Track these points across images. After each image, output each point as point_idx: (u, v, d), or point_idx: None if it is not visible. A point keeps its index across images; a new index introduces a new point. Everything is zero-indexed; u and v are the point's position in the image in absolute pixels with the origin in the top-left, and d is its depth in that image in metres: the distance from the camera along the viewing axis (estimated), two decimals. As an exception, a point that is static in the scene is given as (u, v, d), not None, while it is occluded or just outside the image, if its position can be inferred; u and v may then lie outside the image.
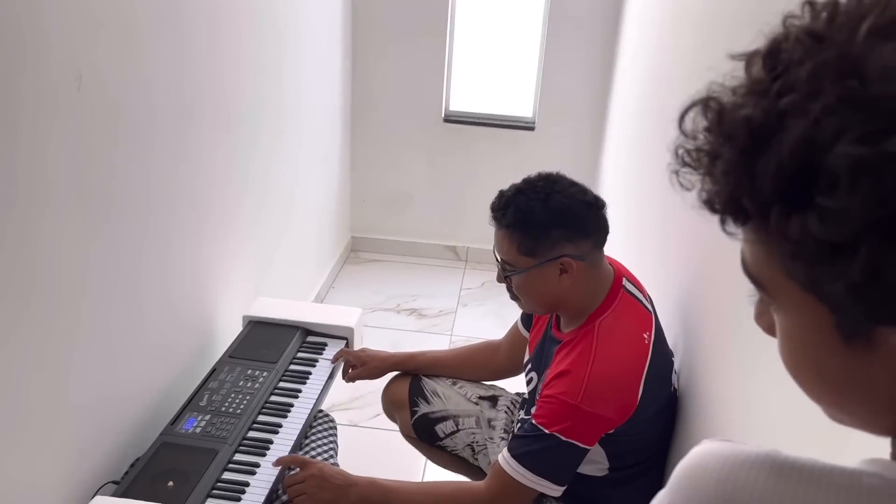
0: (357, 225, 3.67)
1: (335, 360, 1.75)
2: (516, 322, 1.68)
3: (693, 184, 0.39)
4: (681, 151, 0.39)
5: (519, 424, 1.45)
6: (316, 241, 3.07)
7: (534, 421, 1.24)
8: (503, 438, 1.56)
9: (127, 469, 1.49)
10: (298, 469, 1.35)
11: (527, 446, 1.23)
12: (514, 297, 1.38)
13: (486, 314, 3.10)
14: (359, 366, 1.72)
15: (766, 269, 0.38)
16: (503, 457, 1.26)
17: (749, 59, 0.38)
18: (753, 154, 0.35)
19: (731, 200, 0.37)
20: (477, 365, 1.71)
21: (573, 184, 1.32)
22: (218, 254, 1.93)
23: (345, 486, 1.30)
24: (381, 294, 3.24)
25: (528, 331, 1.57)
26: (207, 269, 1.87)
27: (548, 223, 1.27)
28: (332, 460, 1.55)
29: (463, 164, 3.52)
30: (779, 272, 0.36)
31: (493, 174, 3.47)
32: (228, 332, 1.93)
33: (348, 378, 1.73)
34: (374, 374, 1.73)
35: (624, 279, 1.34)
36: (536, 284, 1.31)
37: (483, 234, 3.49)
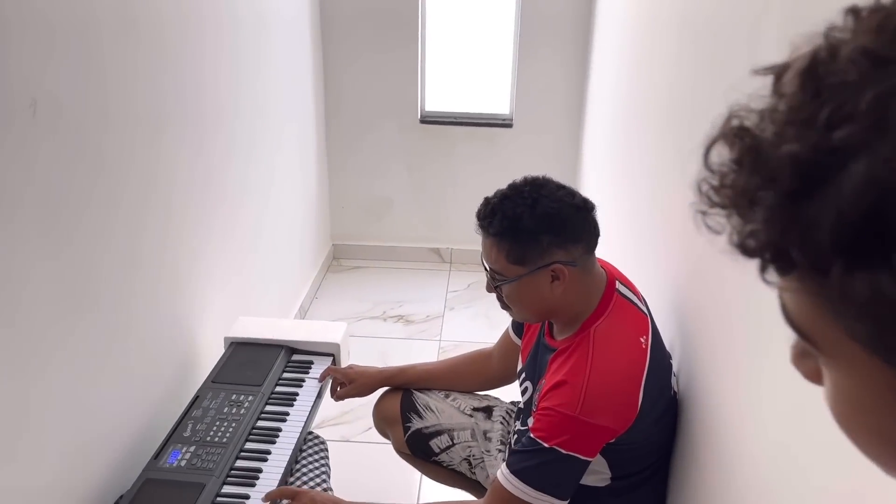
0: (338, 232, 3.61)
1: (322, 378, 1.69)
2: (507, 329, 1.63)
3: (722, 225, 0.34)
4: (705, 188, 0.34)
5: (515, 436, 1.40)
6: (298, 251, 3.01)
7: (532, 434, 1.19)
8: (500, 451, 1.52)
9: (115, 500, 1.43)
10: (289, 501, 1.30)
11: (526, 461, 1.19)
12: (504, 306, 1.33)
13: (474, 316, 3.06)
14: (347, 383, 1.66)
15: (817, 324, 0.32)
16: (502, 473, 1.22)
17: (778, 75, 0.32)
18: (803, 199, 0.29)
19: (774, 250, 0.31)
20: (469, 375, 1.67)
21: (561, 187, 1.27)
22: (195, 273, 1.86)
23: None
24: (366, 302, 3.18)
25: (520, 338, 1.53)
26: (185, 290, 1.80)
27: (536, 230, 1.22)
28: (324, 484, 1.49)
29: (442, 165, 3.46)
30: (835, 329, 0.31)
31: (473, 173, 3.43)
32: (210, 355, 1.87)
33: (337, 397, 1.68)
34: (364, 391, 1.67)
35: (617, 282, 1.30)
36: (528, 293, 1.26)
37: (466, 234, 3.44)
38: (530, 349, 1.42)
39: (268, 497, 1.31)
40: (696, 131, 1.93)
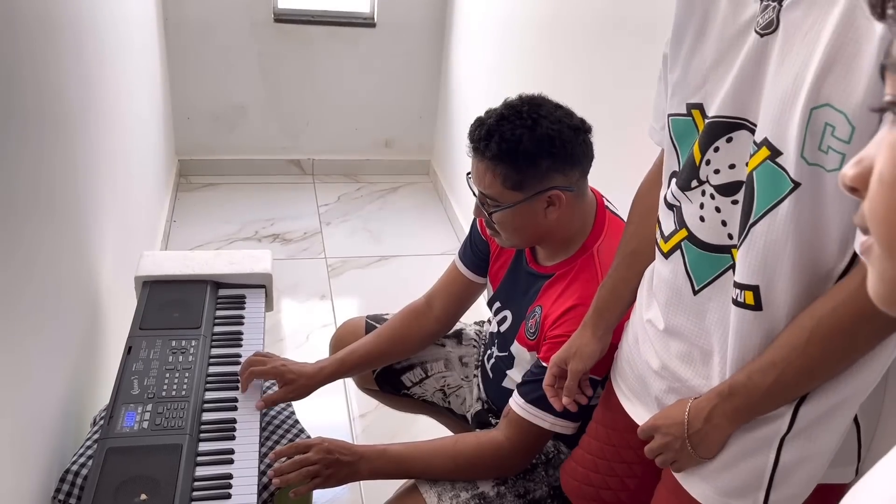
0: (184, 147, 3.25)
1: (246, 377, 1.35)
2: (454, 268, 1.49)
3: None
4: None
5: (493, 361, 1.40)
6: (152, 172, 2.67)
7: (545, 364, 1.20)
8: (476, 376, 1.52)
9: (57, 485, 1.24)
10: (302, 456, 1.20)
11: (541, 389, 1.17)
12: (494, 232, 1.29)
13: (353, 231, 2.97)
14: (280, 384, 1.36)
15: None
16: (517, 404, 1.21)
17: None
18: None
19: None
20: (411, 337, 1.50)
21: (558, 106, 1.23)
22: (74, 212, 1.59)
23: (354, 461, 1.20)
24: (232, 223, 2.95)
25: (475, 272, 1.45)
26: (70, 233, 1.53)
27: (536, 153, 1.17)
28: (299, 425, 1.41)
29: (299, 68, 3.22)
30: None
31: (334, 77, 3.24)
32: (121, 300, 1.64)
33: (265, 402, 1.34)
34: (304, 393, 1.38)
35: (605, 199, 1.32)
36: (522, 219, 1.22)
37: (328, 144, 3.30)
38: (503, 277, 1.39)
39: (279, 454, 1.21)
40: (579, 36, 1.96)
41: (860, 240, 0.40)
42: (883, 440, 0.94)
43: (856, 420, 0.87)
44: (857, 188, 0.38)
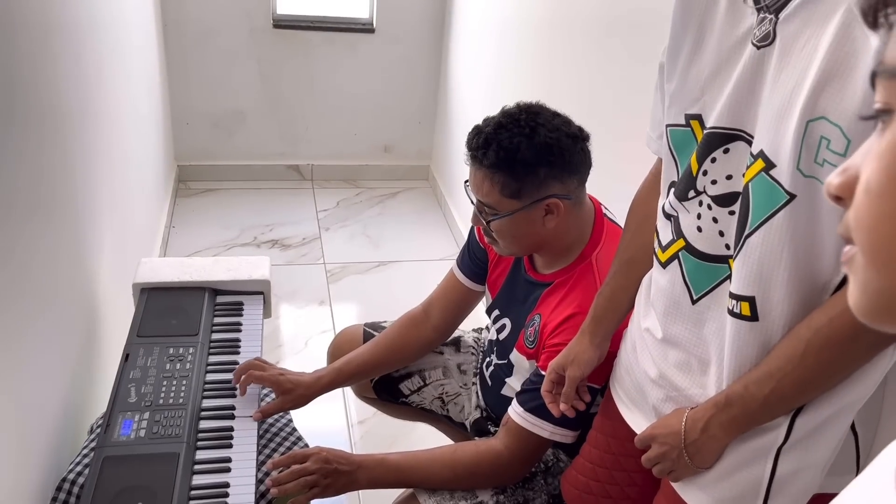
0: (183, 152, 3.25)
1: (242, 383, 1.34)
2: (451, 276, 1.48)
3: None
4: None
5: (492, 369, 1.40)
6: (152, 177, 2.67)
7: (544, 372, 1.20)
8: (475, 383, 1.52)
9: (54, 494, 1.24)
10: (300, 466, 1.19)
11: (540, 398, 1.17)
12: (492, 240, 1.29)
13: (352, 236, 2.97)
14: (278, 393, 1.35)
15: None
16: (516, 413, 1.20)
17: None
18: None
19: None
20: (408, 347, 1.49)
21: (556, 114, 1.23)
22: (67, 225, 1.59)
23: (352, 471, 1.19)
24: (231, 228, 2.95)
25: (474, 280, 1.45)
26: (68, 236, 1.53)
27: (534, 161, 1.17)
28: (297, 433, 1.41)
29: (298, 74, 3.22)
30: None
31: (333, 83, 3.24)
32: (119, 306, 1.64)
33: (262, 413, 1.32)
34: (301, 403, 1.38)
35: (603, 207, 1.31)
36: (520, 227, 1.22)
37: (327, 149, 3.30)
38: (501, 285, 1.38)
39: (276, 464, 1.21)
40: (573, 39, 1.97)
41: (844, 250, 0.40)
42: (881, 449, 0.94)
43: (854, 429, 0.87)
44: (842, 197, 0.38)
